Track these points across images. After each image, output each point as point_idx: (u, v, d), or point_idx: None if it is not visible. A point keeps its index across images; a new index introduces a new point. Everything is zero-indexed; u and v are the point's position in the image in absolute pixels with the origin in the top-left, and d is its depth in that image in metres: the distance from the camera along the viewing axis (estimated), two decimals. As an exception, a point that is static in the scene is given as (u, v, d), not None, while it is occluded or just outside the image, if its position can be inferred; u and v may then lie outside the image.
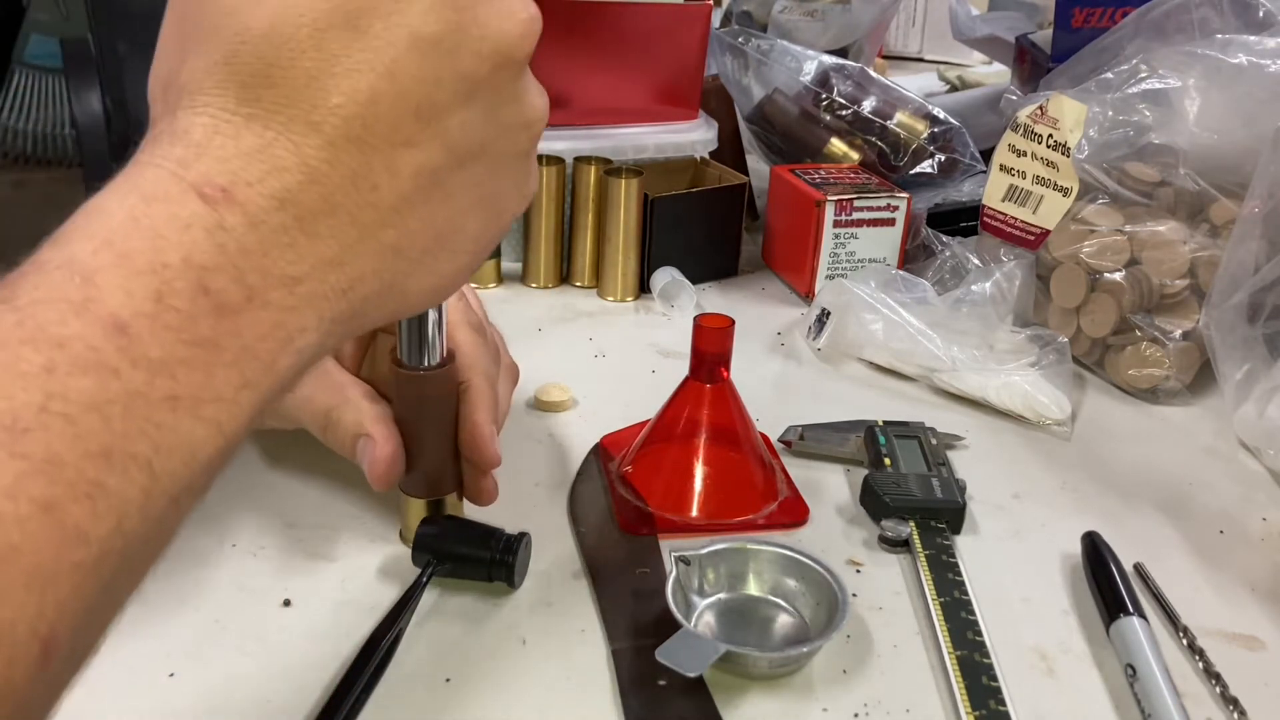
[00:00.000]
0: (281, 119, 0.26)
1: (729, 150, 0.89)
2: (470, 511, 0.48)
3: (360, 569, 0.46)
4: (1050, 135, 0.70)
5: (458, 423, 0.45)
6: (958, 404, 0.63)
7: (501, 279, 0.79)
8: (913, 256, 0.79)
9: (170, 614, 0.42)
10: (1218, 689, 0.41)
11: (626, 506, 0.50)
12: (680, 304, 0.75)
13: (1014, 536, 0.51)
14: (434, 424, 0.44)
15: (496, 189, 0.32)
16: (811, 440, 0.56)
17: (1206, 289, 0.62)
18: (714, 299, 0.79)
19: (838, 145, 0.85)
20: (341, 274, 0.27)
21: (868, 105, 0.86)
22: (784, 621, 0.43)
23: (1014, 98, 0.76)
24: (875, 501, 0.51)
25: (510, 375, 0.51)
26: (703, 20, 0.80)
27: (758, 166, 0.91)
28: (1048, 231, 0.70)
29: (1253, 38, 0.65)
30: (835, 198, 0.74)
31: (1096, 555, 0.47)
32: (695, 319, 0.50)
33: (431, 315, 0.42)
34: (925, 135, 0.85)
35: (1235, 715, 0.39)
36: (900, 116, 0.85)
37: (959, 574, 0.46)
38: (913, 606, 0.45)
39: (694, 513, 0.50)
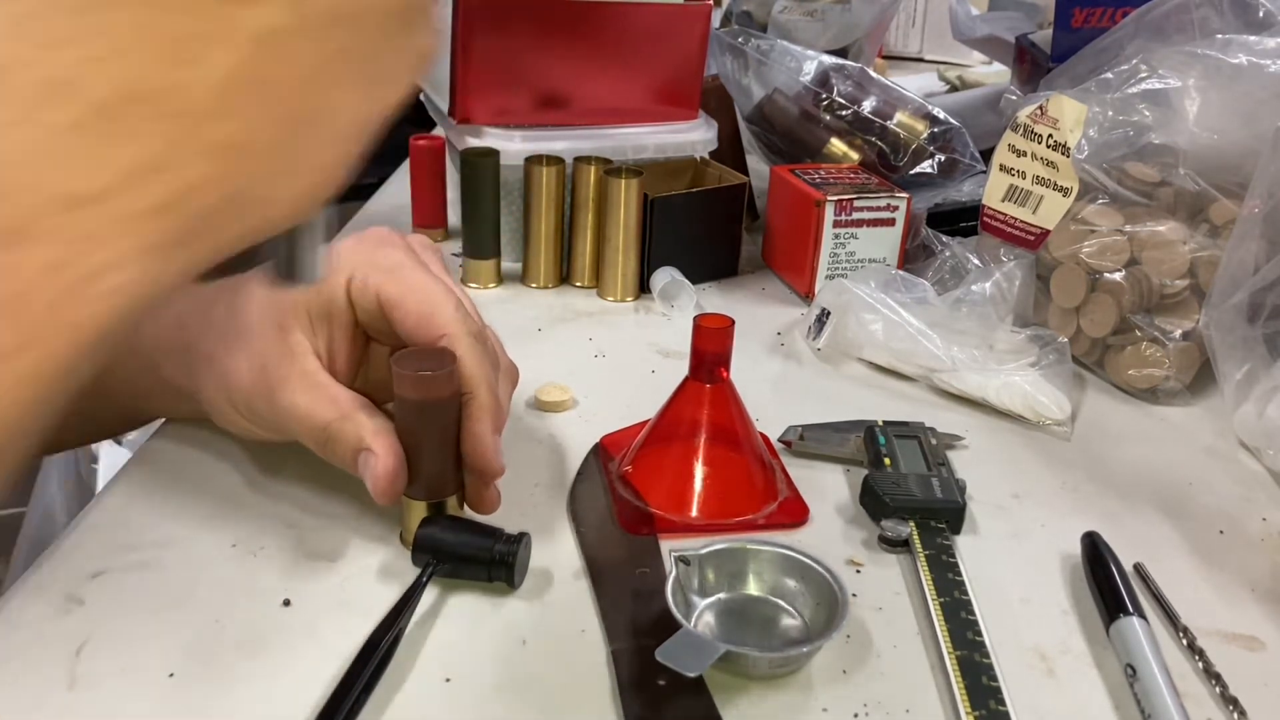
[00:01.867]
0: None
1: (729, 150, 0.89)
2: (470, 512, 0.48)
3: (360, 569, 0.46)
4: (1050, 135, 0.70)
5: (460, 431, 0.45)
6: (958, 404, 0.63)
7: (501, 279, 0.79)
8: (913, 256, 0.79)
9: (170, 614, 0.42)
10: (1218, 689, 0.41)
11: (627, 506, 0.50)
12: (680, 304, 0.75)
13: (1014, 536, 0.51)
14: (435, 427, 0.44)
15: (370, 53, 0.25)
16: (811, 440, 0.56)
17: (1206, 289, 0.62)
18: (714, 299, 0.79)
19: (838, 145, 0.85)
20: (160, 184, 0.21)
21: (868, 105, 0.86)
22: (784, 621, 0.43)
23: (1014, 98, 0.76)
24: (875, 501, 0.51)
25: (510, 377, 0.51)
26: (703, 20, 0.80)
27: (758, 166, 0.91)
28: (1048, 231, 0.70)
29: (1253, 38, 0.65)
30: (835, 198, 0.74)
31: (1096, 555, 0.47)
32: (695, 319, 0.50)
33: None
34: (925, 135, 0.85)
35: (1235, 715, 0.39)
36: (900, 116, 0.85)
37: (959, 574, 0.46)
38: (913, 606, 0.45)
39: (694, 513, 0.50)
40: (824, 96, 0.87)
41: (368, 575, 0.45)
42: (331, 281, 0.46)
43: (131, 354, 0.49)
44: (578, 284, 0.79)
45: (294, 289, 0.32)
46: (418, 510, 0.46)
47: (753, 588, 0.45)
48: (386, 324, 0.46)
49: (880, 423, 0.57)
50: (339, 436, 0.44)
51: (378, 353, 0.49)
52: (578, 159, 0.76)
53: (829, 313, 0.68)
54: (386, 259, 0.46)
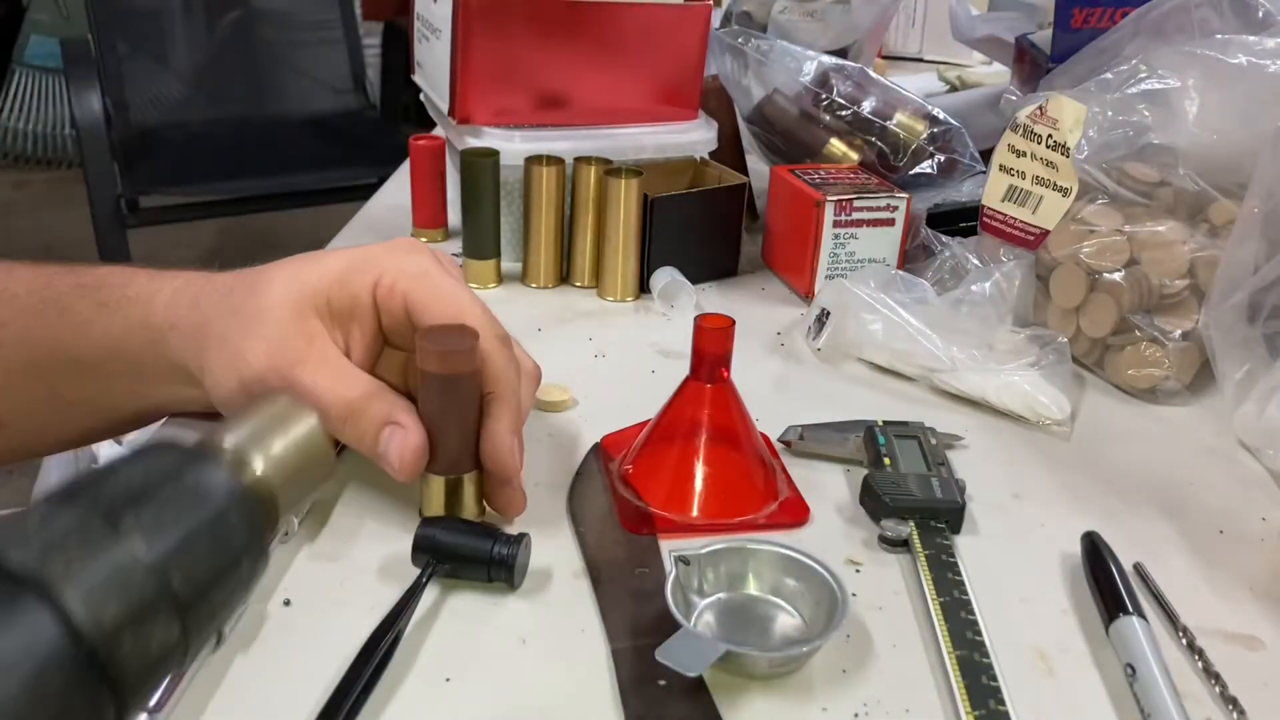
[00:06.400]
0: None
1: (729, 150, 0.89)
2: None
3: (360, 569, 0.46)
4: (1050, 135, 0.70)
5: (480, 418, 0.46)
6: (957, 404, 0.63)
7: (501, 279, 0.79)
8: (912, 256, 0.79)
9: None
10: (1217, 689, 0.41)
11: (627, 506, 0.50)
12: (680, 304, 0.75)
13: (1014, 536, 0.51)
14: (456, 403, 0.45)
15: None
16: (811, 440, 0.56)
17: (1206, 289, 0.62)
18: (714, 299, 0.79)
19: (837, 145, 0.85)
20: None
21: (867, 105, 0.86)
22: (784, 621, 0.43)
23: (1014, 98, 0.76)
24: (875, 501, 0.51)
25: (531, 379, 0.52)
26: (703, 20, 0.80)
27: (758, 166, 0.91)
28: (1047, 231, 0.70)
29: (1253, 38, 0.65)
30: (835, 198, 0.74)
31: (1096, 555, 0.47)
32: (696, 319, 0.50)
33: None
34: (925, 135, 0.85)
35: (1235, 715, 0.39)
36: (900, 117, 0.85)
37: (958, 574, 0.46)
38: (912, 606, 0.45)
39: (694, 513, 0.50)
40: (824, 97, 0.87)
41: (368, 575, 0.46)
42: (357, 282, 0.47)
43: (143, 327, 0.49)
44: (578, 284, 0.79)
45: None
46: (437, 486, 0.47)
47: (753, 588, 0.45)
48: (410, 329, 0.47)
49: (880, 423, 0.57)
50: (364, 412, 0.45)
51: (389, 360, 0.50)
52: (578, 159, 0.76)
53: (829, 313, 0.68)
54: (414, 265, 0.47)
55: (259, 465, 0.27)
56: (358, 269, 0.47)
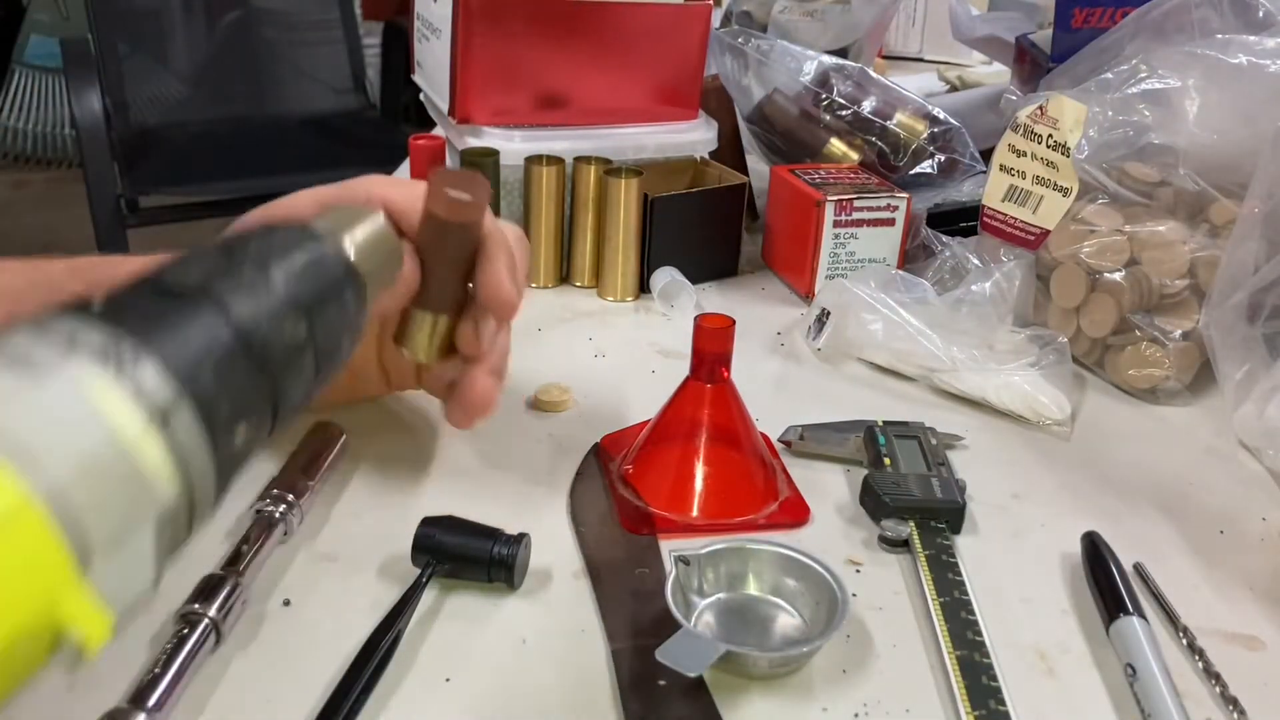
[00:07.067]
0: None
1: (729, 150, 0.89)
2: (472, 510, 0.48)
3: (360, 569, 0.46)
4: (1050, 135, 0.70)
5: (467, 275, 0.47)
6: (958, 404, 0.63)
7: (501, 279, 0.79)
8: (913, 256, 0.79)
9: (168, 614, 0.42)
10: (1217, 689, 0.41)
11: (627, 506, 0.50)
12: (680, 304, 0.75)
13: (1014, 536, 0.51)
14: (453, 248, 0.46)
15: None
16: (811, 440, 0.56)
17: (1206, 289, 0.62)
18: (714, 299, 0.79)
19: (837, 145, 0.85)
20: None
21: (868, 105, 0.86)
22: (784, 621, 0.43)
23: (1014, 98, 0.76)
24: (875, 501, 0.51)
25: (523, 246, 0.52)
26: (703, 20, 0.80)
27: (758, 166, 0.91)
28: (1048, 231, 0.70)
29: (1253, 38, 0.65)
30: (835, 198, 0.74)
31: (1096, 555, 0.47)
32: (696, 319, 0.50)
33: None
34: (925, 135, 0.85)
35: (1235, 715, 0.39)
36: (900, 116, 0.85)
37: (959, 574, 0.46)
38: (912, 606, 0.45)
39: (694, 513, 0.50)
40: (824, 96, 0.87)
41: (368, 575, 0.46)
42: (344, 200, 0.47)
43: None
44: (578, 284, 0.79)
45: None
46: (421, 320, 0.47)
47: (753, 588, 0.45)
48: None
49: (880, 423, 0.57)
50: None
51: (389, 348, 0.50)
52: (578, 159, 0.76)
53: (829, 313, 0.68)
54: (377, 180, 0.48)
55: (347, 243, 0.37)
56: (344, 196, 0.48)
